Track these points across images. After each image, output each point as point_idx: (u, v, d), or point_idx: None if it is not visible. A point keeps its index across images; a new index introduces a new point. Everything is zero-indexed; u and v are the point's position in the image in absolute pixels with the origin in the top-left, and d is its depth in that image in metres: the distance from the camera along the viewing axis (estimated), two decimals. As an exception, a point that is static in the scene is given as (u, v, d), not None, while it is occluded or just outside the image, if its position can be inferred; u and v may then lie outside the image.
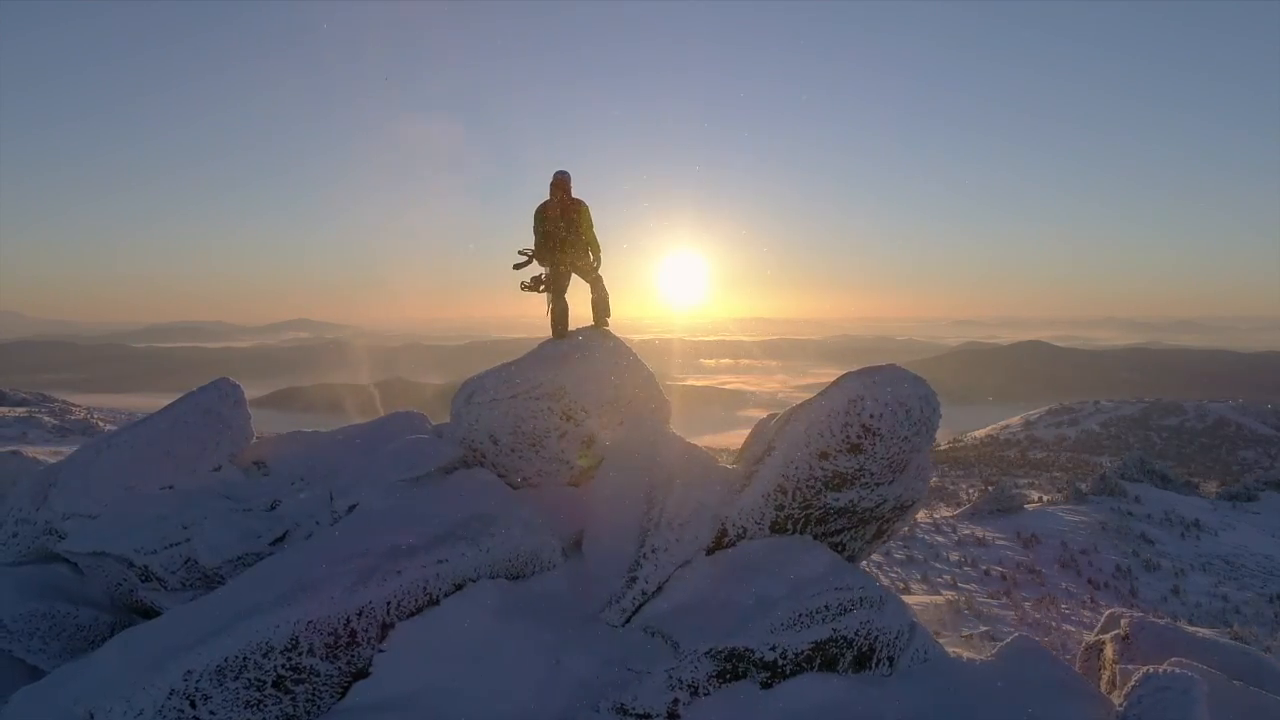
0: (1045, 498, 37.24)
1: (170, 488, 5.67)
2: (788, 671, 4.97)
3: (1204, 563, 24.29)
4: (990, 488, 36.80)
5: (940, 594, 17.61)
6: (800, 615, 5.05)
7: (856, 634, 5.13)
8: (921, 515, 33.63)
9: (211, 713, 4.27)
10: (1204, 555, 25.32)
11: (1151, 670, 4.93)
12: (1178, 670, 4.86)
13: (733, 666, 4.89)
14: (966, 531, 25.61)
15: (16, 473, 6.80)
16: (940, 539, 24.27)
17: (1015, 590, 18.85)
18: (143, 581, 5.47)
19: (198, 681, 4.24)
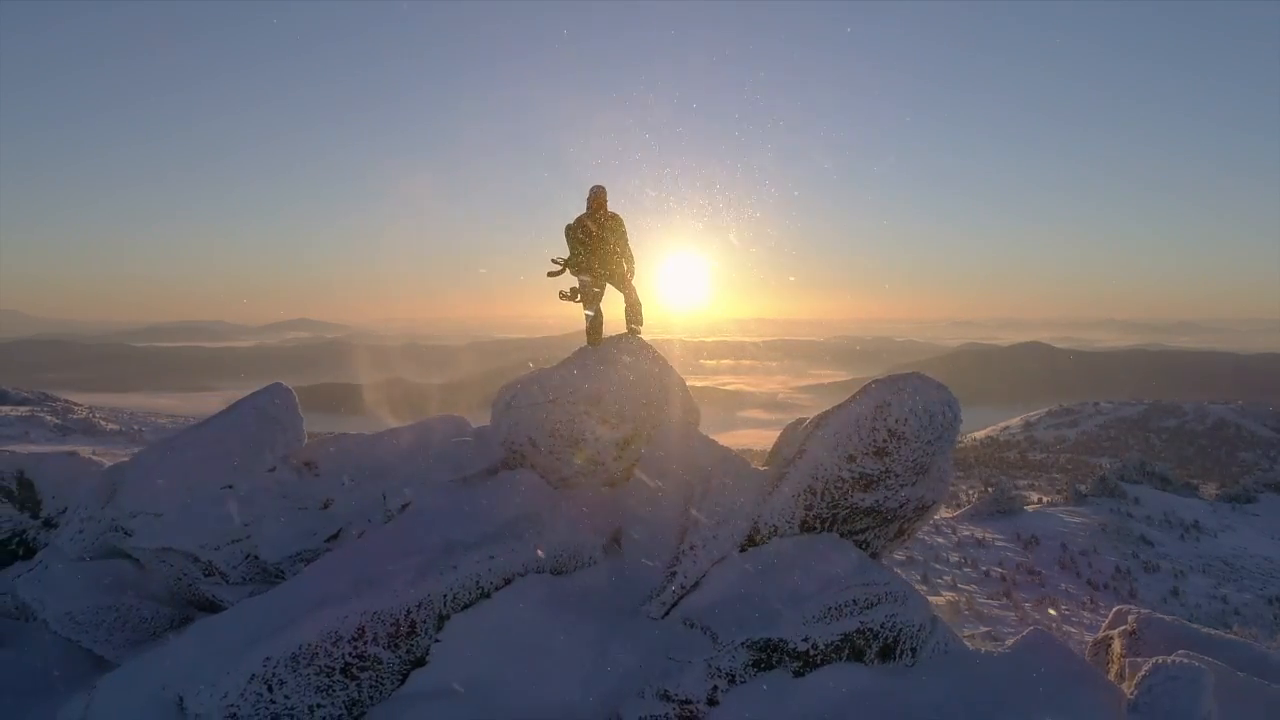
0: (1045, 499, 37.44)
1: (230, 487, 5.98)
2: (818, 661, 5.29)
3: (1203, 564, 24.50)
4: (990, 489, 37.00)
5: (940, 595, 17.87)
6: (830, 609, 5.37)
7: (882, 626, 5.45)
8: None
9: (286, 697, 4.59)
10: (1203, 557, 25.53)
11: (1161, 660, 5.25)
12: (1186, 661, 5.18)
13: (767, 656, 5.21)
14: (966, 532, 25.88)
15: (75, 473, 7.11)
16: (940, 540, 24.51)
17: (1015, 591, 19.13)
18: (205, 576, 5.79)
19: (275, 668, 4.56)
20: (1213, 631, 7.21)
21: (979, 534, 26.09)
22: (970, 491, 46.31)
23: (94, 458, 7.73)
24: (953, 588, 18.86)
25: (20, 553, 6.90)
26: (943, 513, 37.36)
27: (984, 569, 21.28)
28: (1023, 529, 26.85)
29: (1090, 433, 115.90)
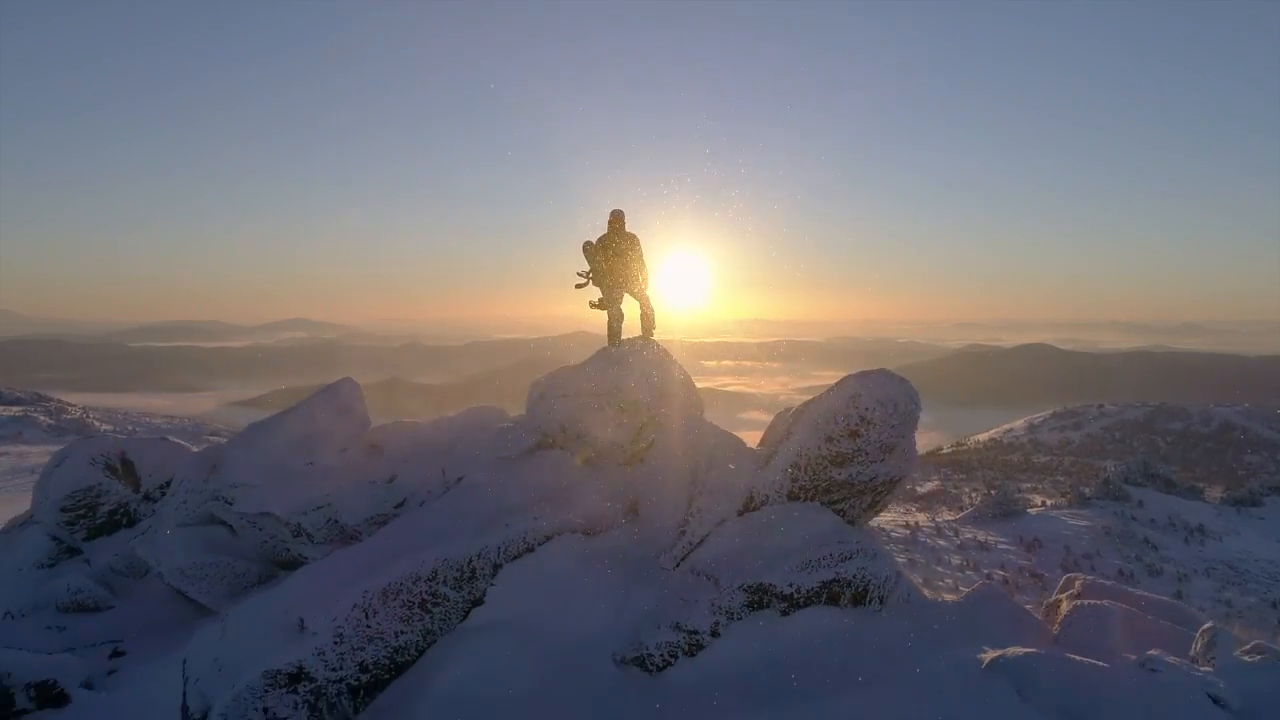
0: (1048, 502, 37.92)
1: (310, 464, 7.27)
2: (801, 604, 6.60)
3: (1208, 567, 24.94)
4: (993, 492, 37.54)
5: (942, 597, 18.72)
6: (810, 561, 6.69)
7: (855, 577, 6.76)
8: (923, 518, 34.67)
9: (379, 623, 5.90)
10: (1208, 560, 25.96)
11: (1081, 602, 6.56)
12: (1098, 602, 6.49)
13: (759, 599, 6.52)
14: (969, 535, 26.66)
15: (167, 454, 8.41)
16: (942, 542, 25.28)
17: (1017, 594, 19.92)
18: (294, 536, 7.09)
19: (370, 599, 5.87)
20: (1146, 593, 8.50)
21: (981, 536, 26.57)
22: (973, 494, 46.90)
23: (181, 443, 9.02)
24: (954, 590, 19.60)
25: (124, 522, 8.18)
26: (945, 515, 38.04)
27: (986, 572, 21.73)
28: (1025, 532, 27.09)
29: (1095, 435, 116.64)
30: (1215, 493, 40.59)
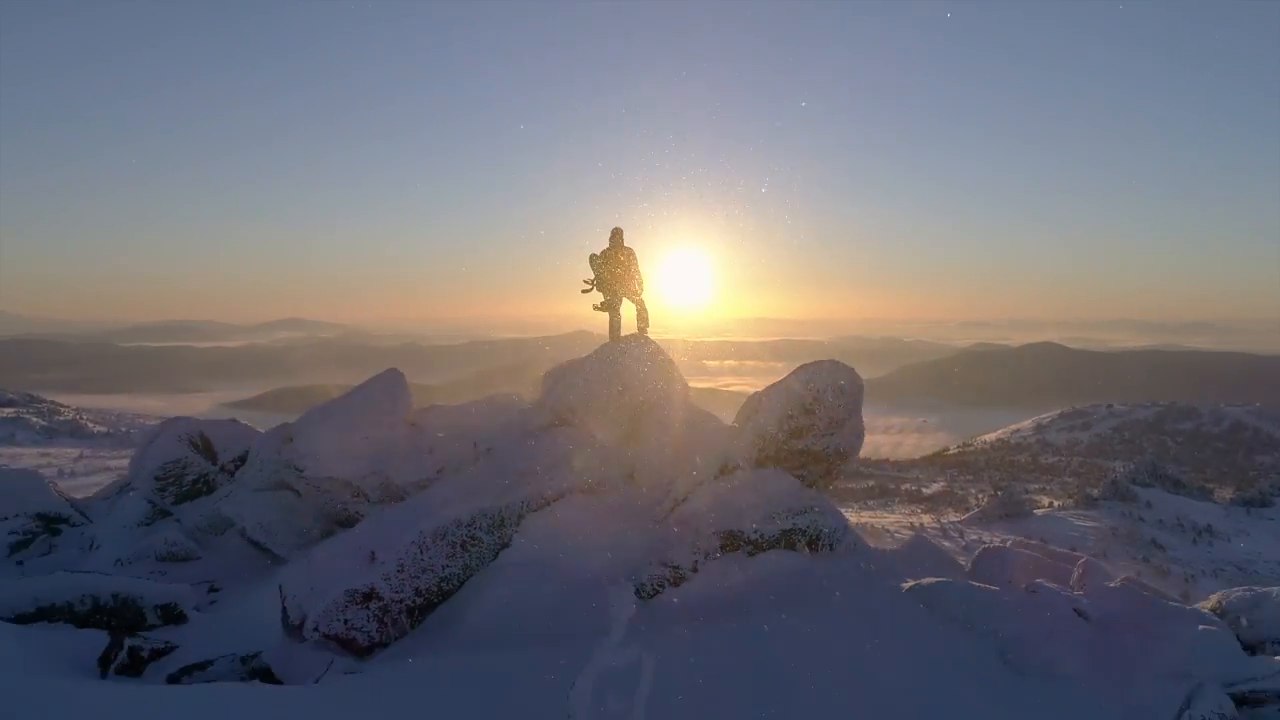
0: (1056, 503, 38.43)
1: (366, 438, 9.08)
2: (765, 547, 8.42)
3: (1215, 568, 25.57)
4: (999, 493, 38.10)
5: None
6: (773, 514, 8.50)
7: (808, 527, 8.57)
8: (929, 520, 35.91)
9: (430, 557, 7.71)
10: (1216, 561, 26.59)
11: (986, 545, 8.37)
12: (1000, 544, 8.30)
13: (731, 543, 8.34)
14: (974, 536, 27.71)
15: (238, 433, 10.25)
16: (947, 544, 26.38)
17: None
18: (353, 497, 8.92)
19: (424, 539, 7.69)
20: (1060, 549, 10.30)
21: (986, 538, 27.26)
22: (980, 495, 47.70)
23: (245, 424, 10.83)
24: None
25: (204, 489, 10.00)
26: (951, 516, 39.22)
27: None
28: (1031, 533, 27.72)
29: (1104, 435, 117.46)
30: (1225, 493, 40.86)
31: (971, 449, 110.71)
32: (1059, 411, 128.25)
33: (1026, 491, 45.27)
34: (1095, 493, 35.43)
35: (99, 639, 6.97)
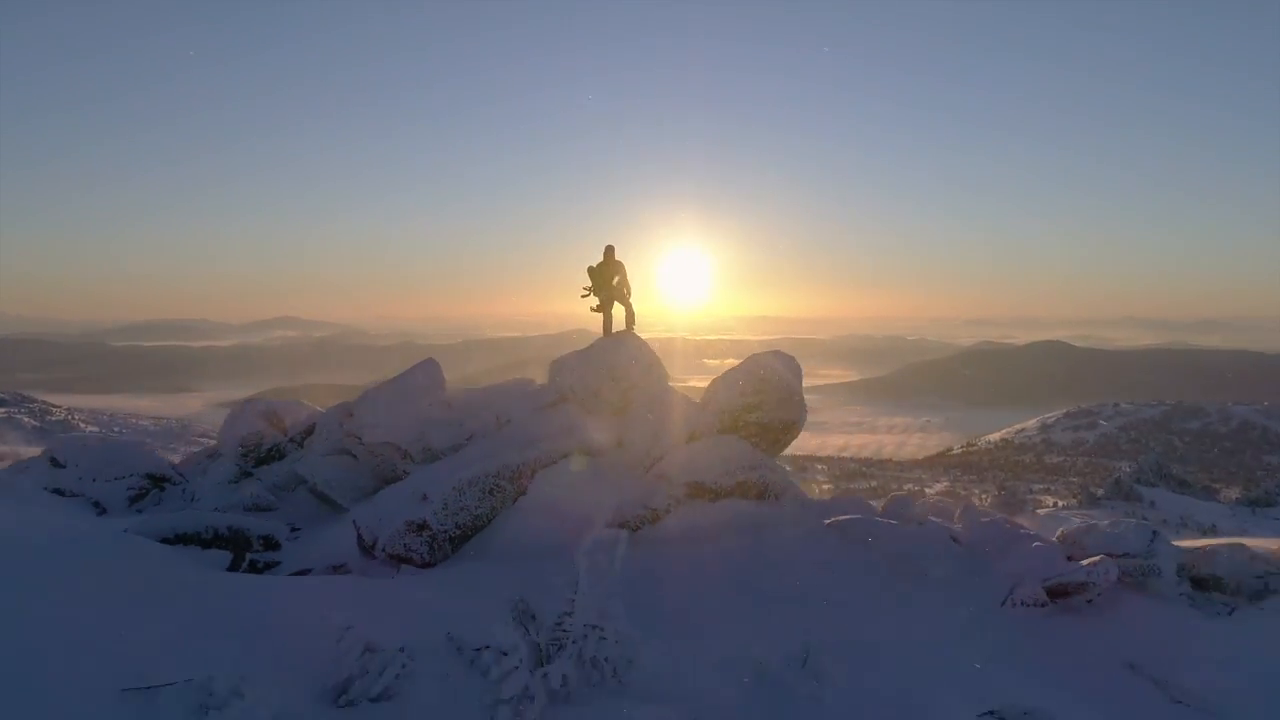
0: (1059, 503, 39.47)
1: (411, 412, 11.80)
2: (723, 495, 11.14)
3: None
4: (1002, 492, 39.33)
5: None
6: (729, 470, 11.22)
7: (757, 480, 11.30)
8: None
9: (465, 499, 10.42)
10: None
11: (895, 494, 11.11)
12: (907, 494, 11.02)
13: (696, 491, 11.06)
14: None
15: (302, 410, 12.96)
16: None
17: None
18: (402, 459, 11.64)
19: (462, 485, 10.42)
20: (976, 505, 13.04)
21: None
22: (984, 496, 49.24)
23: (308, 404, 13.52)
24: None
25: (277, 456, 12.71)
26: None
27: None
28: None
29: (1110, 435, 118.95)
30: (1231, 493, 41.87)
31: (975, 449, 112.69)
32: (1064, 411, 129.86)
33: (1030, 491, 46.29)
34: (1099, 492, 35.92)
35: (223, 557, 9.68)
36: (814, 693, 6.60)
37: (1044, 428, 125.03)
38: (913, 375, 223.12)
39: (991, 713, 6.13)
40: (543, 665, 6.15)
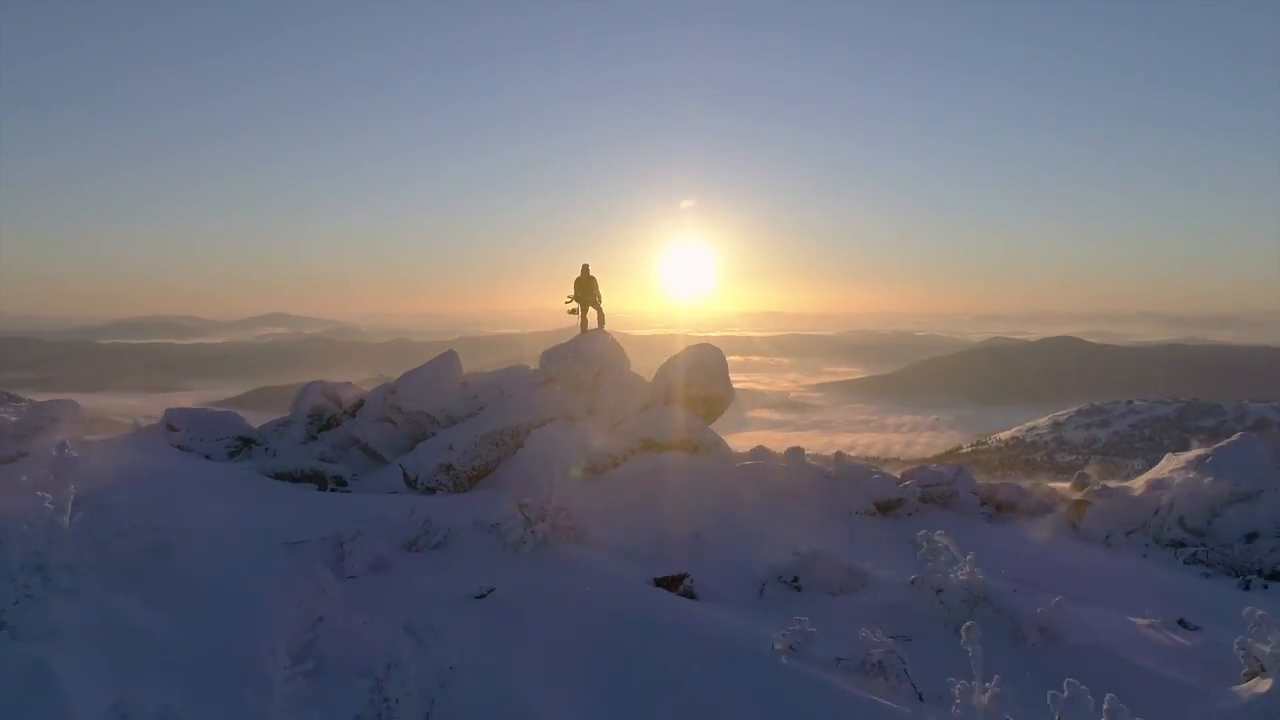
0: None
1: (438, 389, 16.69)
2: (667, 449, 16.02)
3: None
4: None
5: None
6: (672, 430, 16.11)
7: (692, 438, 16.17)
8: None
9: (480, 450, 15.31)
10: None
11: (792, 447, 15.98)
12: (795, 448, 15.91)
13: (648, 445, 15.97)
14: None
15: (351, 392, 17.90)
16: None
17: None
18: (431, 423, 16.50)
19: (476, 439, 15.39)
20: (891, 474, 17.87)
21: None
22: None
23: (360, 387, 18.46)
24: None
25: (334, 424, 17.59)
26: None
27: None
28: None
29: (1122, 433, 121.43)
30: None
31: (985, 447, 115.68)
32: (1076, 408, 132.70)
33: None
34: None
35: (311, 487, 14.53)
36: (695, 552, 11.47)
37: (1055, 426, 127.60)
38: (921, 372, 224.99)
39: (797, 553, 10.95)
40: (537, 535, 10.94)
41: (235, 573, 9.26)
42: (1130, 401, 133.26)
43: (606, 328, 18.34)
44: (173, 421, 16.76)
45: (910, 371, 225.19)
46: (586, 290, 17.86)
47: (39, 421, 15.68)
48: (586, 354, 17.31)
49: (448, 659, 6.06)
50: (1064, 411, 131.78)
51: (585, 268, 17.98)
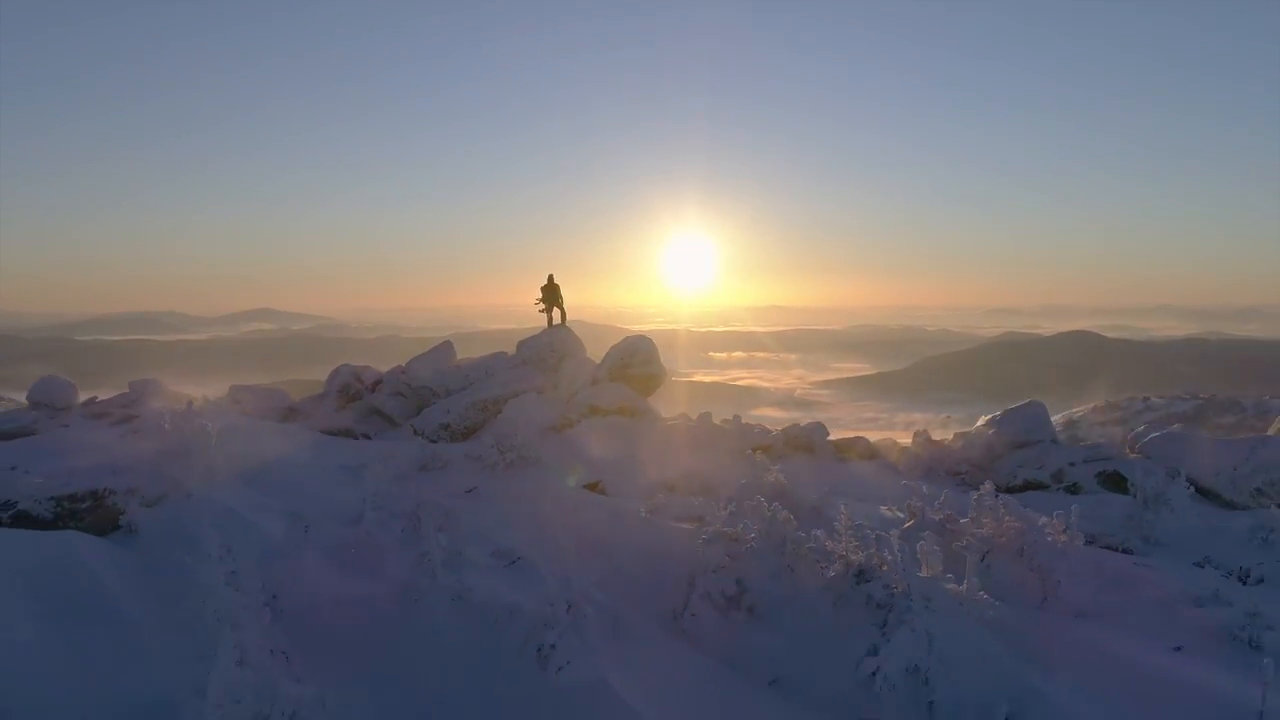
0: None
1: (437, 369, 23.41)
2: (609, 414, 22.87)
3: None
4: None
5: None
6: (613, 400, 22.85)
7: (629, 406, 22.87)
8: None
9: (470, 413, 22.08)
10: None
11: (738, 417, 22.70)
12: (705, 413, 22.64)
13: (594, 412, 22.87)
14: None
15: (368, 371, 24.63)
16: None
17: None
18: (432, 395, 23.23)
19: (467, 406, 22.19)
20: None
21: None
22: None
23: (375, 367, 25.17)
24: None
25: (359, 397, 24.34)
26: None
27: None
28: None
29: (1139, 432, 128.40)
30: None
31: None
32: (1091, 406, 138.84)
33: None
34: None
35: (347, 440, 21.23)
36: (612, 472, 18.12)
37: (1070, 424, 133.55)
38: (931, 368, 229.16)
39: (676, 471, 17.59)
40: (506, 460, 17.61)
41: (319, 478, 16.02)
42: (1147, 399, 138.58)
43: (569, 322, 25.24)
44: (237, 396, 23.48)
45: (920, 368, 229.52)
46: (551, 295, 24.59)
47: (135, 395, 22.42)
48: (551, 343, 24.13)
49: (448, 512, 12.72)
50: (1079, 409, 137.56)
51: (550, 277, 24.73)
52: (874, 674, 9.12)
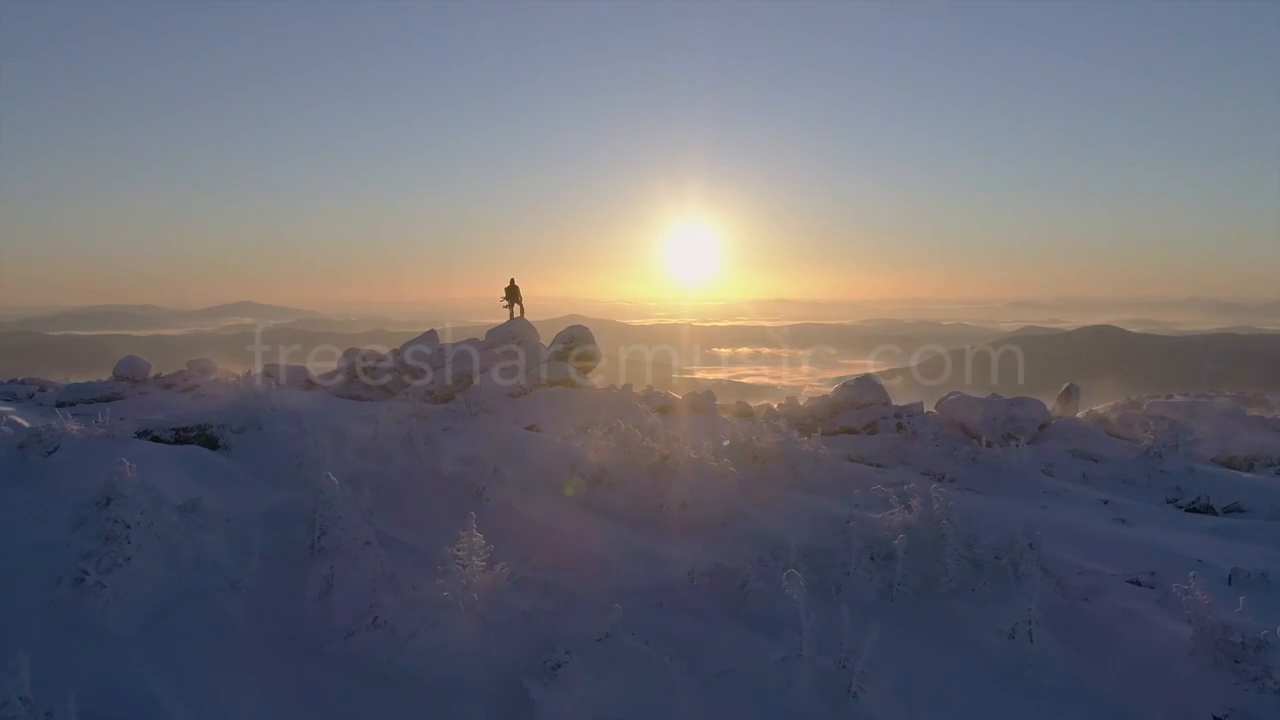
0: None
1: (426, 351, 32.98)
2: (554, 385, 32.31)
3: None
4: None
5: None
6: (556, 374, 32.33)
7: (570, 379, 32.36)
8: None
9: (452, 383, 31.41)
10: None
11: (650, 388, 32.22)
12: (651, 387, 32.16)
13: (548, 385, 32.27)
14: None
15: (380, 356, 34.21)
16: None
17: None
18: (423, 370, 32.76)
19: (450, 377, 31.62)
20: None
21: None
22: None
23: (380, 350, 34.64)
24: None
25: (365, 374, 33.90)
26: None
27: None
28: None
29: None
30: None
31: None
32: (1113, 403, 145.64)
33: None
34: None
35: (356, 402, 30.68)
36: (561, 423, 27.54)
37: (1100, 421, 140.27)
38: (947, 365, 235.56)
39: (595, 422, 26.97)
40: (472, 411, 27.08)
41: (343, 419, 25.47)
42: (1170, 396, 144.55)
43: (527, 317, 34.94)
44: (270, 371, 32.97)
45: (935, 363, 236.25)
46: (513, 294, 34.17)
47: (196, 370, 31.86)
48: (513, 331, 33.68)
49: (430, 435, 22.07)
50: (1101, 406, 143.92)
51: (512, 280, 34.30)
52: (660, 505, 18.56)
